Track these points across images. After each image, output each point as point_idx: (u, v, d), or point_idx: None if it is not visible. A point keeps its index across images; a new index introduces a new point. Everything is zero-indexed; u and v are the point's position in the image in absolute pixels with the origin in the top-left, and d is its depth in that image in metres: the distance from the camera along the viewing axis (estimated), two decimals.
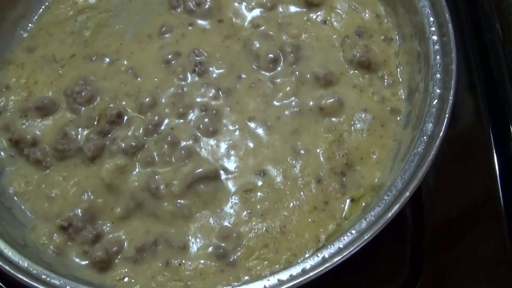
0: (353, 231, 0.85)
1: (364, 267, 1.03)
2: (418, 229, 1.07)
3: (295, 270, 0.83)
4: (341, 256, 0.82)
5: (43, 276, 0.87)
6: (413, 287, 1.03)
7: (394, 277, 1.05)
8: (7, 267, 0.87)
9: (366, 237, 0.82)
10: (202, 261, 0.92)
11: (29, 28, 1.18)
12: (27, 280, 0.85)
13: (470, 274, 1.04)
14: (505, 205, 1.08)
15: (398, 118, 1.00)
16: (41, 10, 1.20)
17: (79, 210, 0.97)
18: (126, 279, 0.93)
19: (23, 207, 1.02)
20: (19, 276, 0.86)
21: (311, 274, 0.81)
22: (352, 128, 0.99)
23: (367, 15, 1.08)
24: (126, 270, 0.93)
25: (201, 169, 0.96)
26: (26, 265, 0.88)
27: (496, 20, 1.24)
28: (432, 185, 1.09)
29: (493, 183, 1.09)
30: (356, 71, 1.04)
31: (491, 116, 1.16)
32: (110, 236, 0.96)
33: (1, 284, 1.07)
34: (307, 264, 0.83)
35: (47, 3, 1.21)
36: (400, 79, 1.03)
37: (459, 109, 1.13)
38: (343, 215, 0.94)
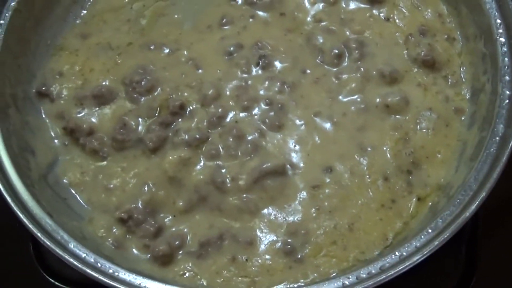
0: (430, 230, 0.85)
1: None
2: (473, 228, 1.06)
3: (373, 268, 0.82)
4: (421, 255, 0.81)
5: (110, 271, 0.84)
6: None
7: (448, 276, 1.05)
8: (75, 262, 0.83)
9: (446, 235, 0.82)
10: (269, 257, 0.91)
11: (82, 14, 1.14)
12: (99, 276, 0.82)
13: None
14: None
15: (462, 118, 1.00)
16: None
17: (140, 202, 0.95)
18: (190, 274, 0.91)
19: (78, 198, 0.99)
20: (89, 271, 0.83)
21: (392, 272, 0.80)
22: (418, 126, 0.98)
23: (429, 13, 1.07)
24: (189, 264, 0.91)
25: (269, 164, 0.94)
26: (92, 260, 0.85)
27: None
28: None
29: None
30: (420, 70, 1.03)
31: None
32: (173, 229, 0.94)
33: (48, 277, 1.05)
34: (385, 263, 0.83)
35: None
36: (464, 79, 1.03)
37: None
38: (410, 213, 0.94)
